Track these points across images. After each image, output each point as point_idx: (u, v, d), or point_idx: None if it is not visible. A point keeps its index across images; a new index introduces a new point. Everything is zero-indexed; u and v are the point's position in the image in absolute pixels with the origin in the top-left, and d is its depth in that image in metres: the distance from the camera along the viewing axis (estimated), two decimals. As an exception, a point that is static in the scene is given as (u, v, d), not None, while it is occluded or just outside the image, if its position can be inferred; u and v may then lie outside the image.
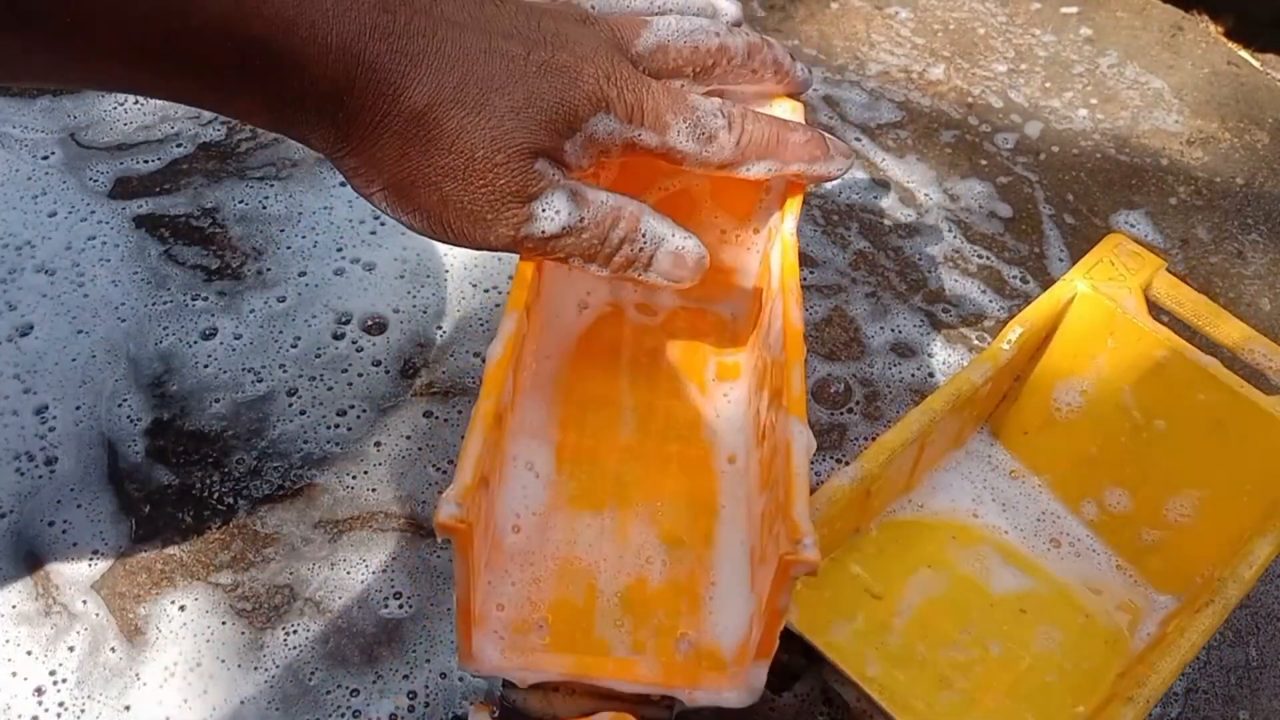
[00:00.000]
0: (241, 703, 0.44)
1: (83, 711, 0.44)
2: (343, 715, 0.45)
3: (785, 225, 0.43)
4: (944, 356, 0.61)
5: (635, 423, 0.46)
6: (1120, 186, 0.72)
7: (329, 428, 0.54)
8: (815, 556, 0.31)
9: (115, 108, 0.67)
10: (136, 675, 0.45)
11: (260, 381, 0.55)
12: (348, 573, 0.49)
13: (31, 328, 0.56)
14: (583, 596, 0.39)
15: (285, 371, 0.56)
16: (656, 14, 0.41)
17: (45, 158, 0.63)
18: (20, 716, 0.43)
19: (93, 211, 0.61)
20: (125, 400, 0.54)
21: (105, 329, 0.56)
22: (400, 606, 0.48)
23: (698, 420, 0.46)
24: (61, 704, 0.44)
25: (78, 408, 0.53)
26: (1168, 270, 0.52)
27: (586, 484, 0.43)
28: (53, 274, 0.58)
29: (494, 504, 0.40)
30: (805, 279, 0.63)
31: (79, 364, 0.55)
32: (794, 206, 0.44)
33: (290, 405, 0.54)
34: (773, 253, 0.44)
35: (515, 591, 0.39)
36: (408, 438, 0.54)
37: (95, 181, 0.63)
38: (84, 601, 0.47)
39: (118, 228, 0.61)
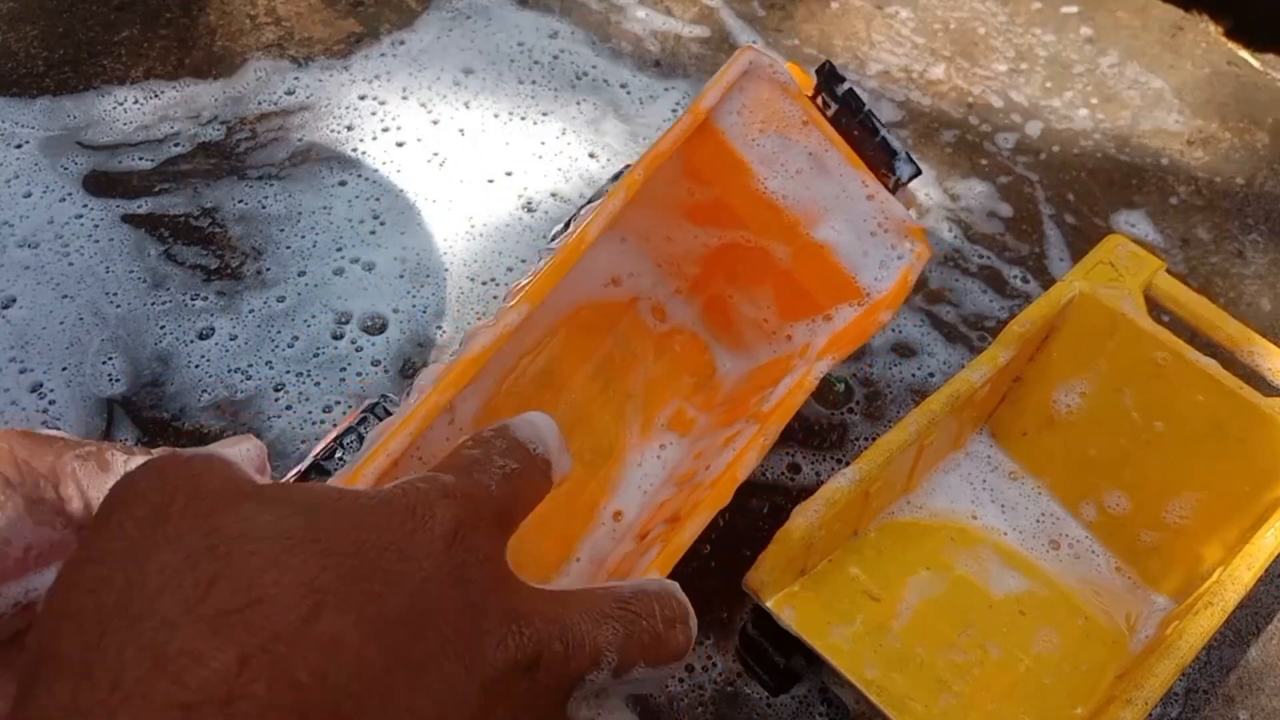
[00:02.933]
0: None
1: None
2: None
3: (817, 366, 0.42)
4: (944, 356, 0.61)
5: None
6: (1120, 186, 0.71)
7: (328, 426, 0.54)
8: None
9: (115, 108, 0.67)
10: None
11: (255, 380, 0.55)
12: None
13: (14, 300, 0.57)
14: None
15: (272, 369, 0.56)
16: None
17: (19, 146, 0.64)
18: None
19: (70, 194, 0.62)
20: (110, 359, 0.54)
21: (90, 294, 0.57)
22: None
23: (615, 456, 0.43)
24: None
25: (64, 369, 0.54)
26: (1168, 270, 0.52)
27: None
28: (36, 247, 0.59)
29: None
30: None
31: (66, 328, 0.56)
32: (836, 351, 0.42)
33: (287, 404, 0.54)
34: (789, 377, 0.42)
35: None
36: (407, 438, 0.54)
37: (68, 170, 0.63)
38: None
39: (104, 213, 0.61)
